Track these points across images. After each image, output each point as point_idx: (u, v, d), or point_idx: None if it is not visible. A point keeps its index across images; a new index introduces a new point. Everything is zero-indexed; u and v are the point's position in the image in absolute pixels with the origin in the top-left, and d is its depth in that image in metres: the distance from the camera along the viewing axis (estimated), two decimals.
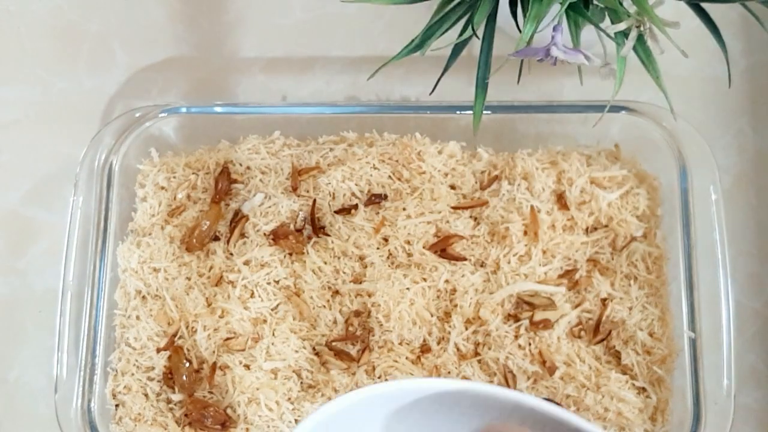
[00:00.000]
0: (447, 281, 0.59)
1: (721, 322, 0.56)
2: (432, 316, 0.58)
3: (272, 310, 0.59)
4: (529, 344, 0.57)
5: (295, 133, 0.64)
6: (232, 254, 0.60)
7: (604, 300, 0.59)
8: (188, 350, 0.59)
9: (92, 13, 0.72)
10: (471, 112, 0.56)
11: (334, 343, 0.58)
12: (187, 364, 0.58)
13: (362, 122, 0.63)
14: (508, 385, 0.57)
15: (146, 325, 0.59)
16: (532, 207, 0.60)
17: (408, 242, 0.60)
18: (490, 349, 0.57)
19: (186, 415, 0.57)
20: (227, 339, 0.58)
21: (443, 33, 0.53)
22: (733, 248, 0.61)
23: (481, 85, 0.54)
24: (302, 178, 0.62)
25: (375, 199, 0.61)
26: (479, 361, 0.57)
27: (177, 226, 0.62)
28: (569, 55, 0.43)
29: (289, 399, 0.57)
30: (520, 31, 0.48)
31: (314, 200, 0.61)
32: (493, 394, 0.37)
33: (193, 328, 0.59)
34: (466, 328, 0.58)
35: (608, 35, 0.48)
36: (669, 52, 0.49)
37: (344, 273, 0.59)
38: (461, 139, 0.63)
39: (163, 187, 0.63)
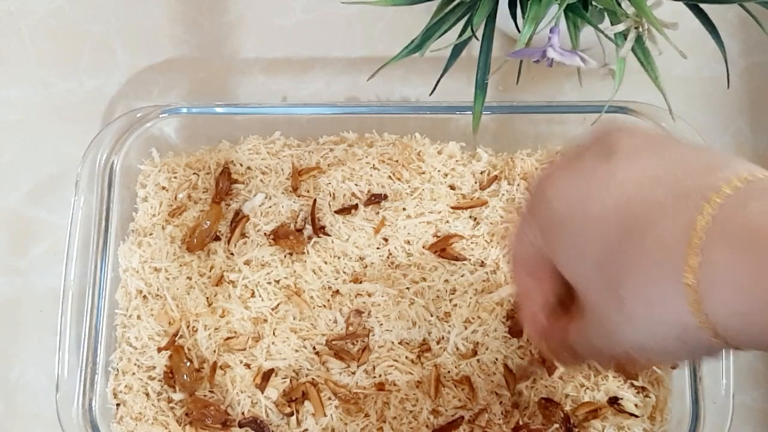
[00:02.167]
0: (446, 281, 0.59)
1: None
2: (432, 315, 0.58)
3: (273, 309, 0.59)
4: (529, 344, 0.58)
5: (295, 134, 0.64)
6: (232, 254, 0.61)
7: None
8: (189, 350, 0.59)
9: (93, 13, 0.72)
10: (470, 112, 0.56)
11: (334, 343, 0.58)
12: (188, 364, 0.58)
13: (362, 123, 0.64)
14: (508, 385, 0.57)
15: (147, 325, 0.60)
16: None
17: (408, 242, 0.60)
18: (488, 349, 0.58)
19: (187, 415, 0.58)
20: (228, 338, 0.58)
21: (443, 34, 0.53)
22: None
23: (481, 86, 0.54)
24: (302, 179, 0.62)
25: (375, 199, 0.61)
26: (478, 361, 0.58)
27: (178, 226, 0.62)
28: (565, 56, 0.44)
29: (290, 398, 0.57)
30: (519, 32, 0.49)
31: (314, 200, 0.61)
32: None
33: (193, 327, 0.59)
34: (466, 328, 0.58)
35: (607, 36, 0.49)
36: (668, 53, 0.49)
37: (344, 273, 0.59)
38: (461, 140, 0.63)
39: (164, 187, 0.63)
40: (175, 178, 0.64)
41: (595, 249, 0.31)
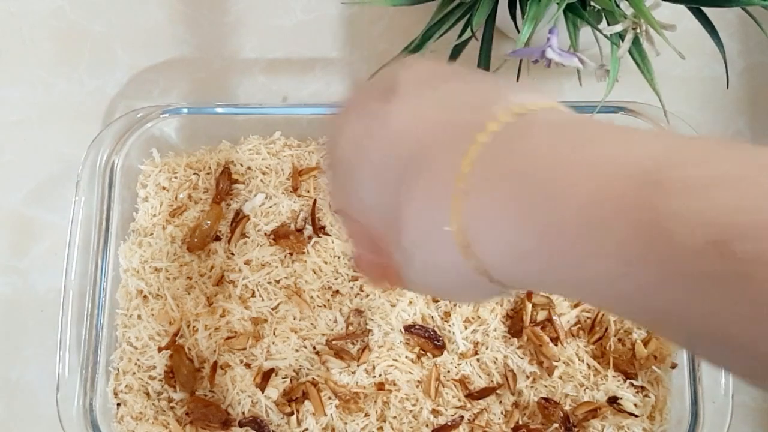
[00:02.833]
0: None
1: None
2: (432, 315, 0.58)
3: (273, 309, 0.59)
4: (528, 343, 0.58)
5: (295, 134, 0.64)
6: (233, 254, 0.61)
7: None
8: (189, 349, 0.59)
9: (94, 14, 0.72)
10: None
11: (334, 343, 0.58)
12: (188, 363, 0.59)
13: None
14: (508, 384, 0.57)
15: (147, 325, 0.60)
16: None
17: None
18: (488, 348, 0.58)
19: (187, 414, 0.58)
20: (228, 338, 0.58)
21: (443, 34, 0.54)
22: None
23: None
24: (303, 179, 0.62)
25: None
26: (478, 360, 0.58)
27: (178, 226, 0.62)
28: (564, 57, 0.44)
29: (290, 398, 0.57)
30: (519, 32, 0.49)
31: (315, 200, 0.61)
32: None
33: (194, 327, 0.59)
34: (466, 328, 0.58)
35: (606, 36, 0.49)
36: (668, 53, 0.50)
37: (344, 273, 0.60)
38: None
39: (164, 188, 0.64)
40: (176, 178, 0.64)
41: (377, 195, 0.31)
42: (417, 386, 0.57)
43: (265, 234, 0.61)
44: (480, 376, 0.57)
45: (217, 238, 0.62)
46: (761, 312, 0.22)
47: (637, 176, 0.24)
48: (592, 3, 0.49)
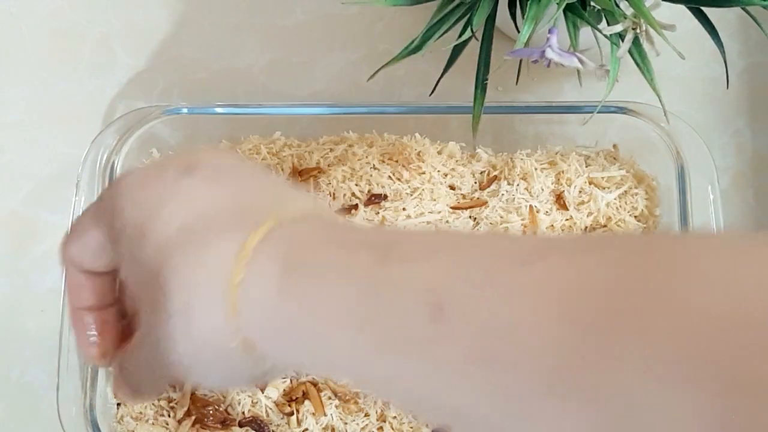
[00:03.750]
0: None
1: None
2: None
3: None
4: None
5: (295, 134, 0.64)
6: None
7: None
8: None
9: (94, 14, 0.72)
10: (470, 112, 0.56)
11: None
12: None
13: (362, 122, 0.64)
14: None
15: None
16: (531, 207, 0.60)
17: None
18: None
19: (187, 414, 0.58)
20: None
21: (443, 34, 0.54)
22: None
23: (481, 86, 0.54)
24: (303, 178, 0.62)
25: (375, 199, 0.61)
26: None
27: None
28: (564, 57, 0.44)
29: (290, 398, 0.57)
30: (519, 32, 0.49)
31: None
32: None
33: None
34: None
35: (606, 36, 0.49)
36: (668, 54, 0.50)
37: None
38: (461, 140, 0.63)
39: None
40: None
41: (155, 257, 0.32)
42: None
43: None
44: None
45: None
46: (467, 370, 0.24)
47: (374, 250, 0.28)
48: (592, 3, 0.49)
